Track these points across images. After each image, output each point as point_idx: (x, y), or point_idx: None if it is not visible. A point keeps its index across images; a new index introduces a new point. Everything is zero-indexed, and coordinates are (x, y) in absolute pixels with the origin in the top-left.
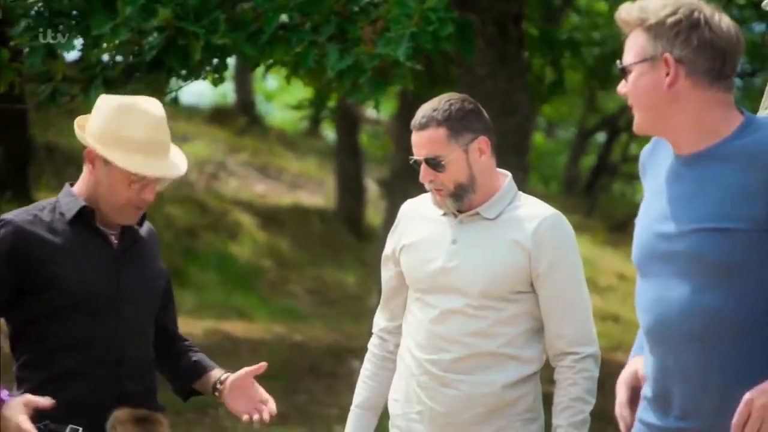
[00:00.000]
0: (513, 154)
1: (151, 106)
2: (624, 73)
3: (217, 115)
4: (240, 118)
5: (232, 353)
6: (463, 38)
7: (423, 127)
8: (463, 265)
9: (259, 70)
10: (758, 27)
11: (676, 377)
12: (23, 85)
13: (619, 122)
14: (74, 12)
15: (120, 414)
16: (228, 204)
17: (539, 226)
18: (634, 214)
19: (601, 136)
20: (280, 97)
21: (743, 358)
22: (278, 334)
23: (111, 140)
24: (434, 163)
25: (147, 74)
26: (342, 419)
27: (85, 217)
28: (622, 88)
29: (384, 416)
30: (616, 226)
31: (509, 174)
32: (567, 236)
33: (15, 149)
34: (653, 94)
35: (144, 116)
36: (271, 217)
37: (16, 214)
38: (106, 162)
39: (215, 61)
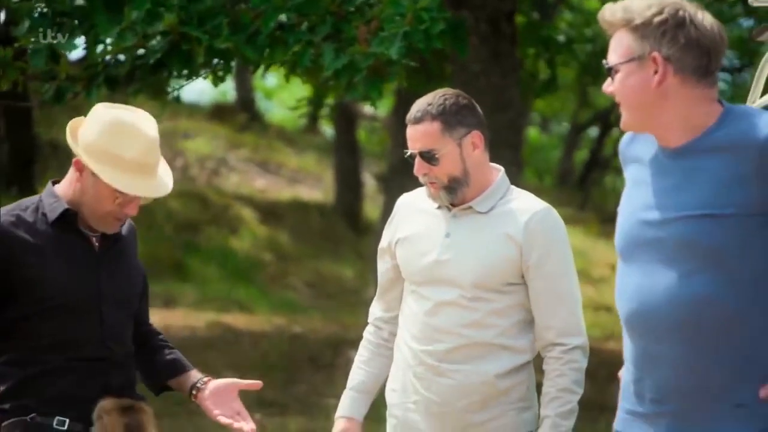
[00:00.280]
0: (507, 148)
1: (146, 126)
2: (610, 72)
3: (218, 113)
4: (240, 115)
5: (234, 345)
6: (456, 36)
7: (418, 121)
8: (457, 257)
9: (259, 69)
10: (746, 23)
11: (656, 362)
12: (27, 83)
13: (611, 117)
14: (76, 12)
15: (105, 404)
16: (229, 199)
17: (530, 219)
18: None
19: (593, 131)
20: (280, 94)
21: (729, 342)
22: (278, 325)
23: (101, 155)
24: (428, 157)
25: (149, 74)
26: None
27: (68, 219)
28: (609, 86)
29: (382, 405)
30: (609, 219)
31: (502, 168)
32: (557, 230)
33: (20, 146)
34: (642, 93)
35: (138, 137)
36: (270, 212)
37: None
38: (94, 174)
39: (216, 61)
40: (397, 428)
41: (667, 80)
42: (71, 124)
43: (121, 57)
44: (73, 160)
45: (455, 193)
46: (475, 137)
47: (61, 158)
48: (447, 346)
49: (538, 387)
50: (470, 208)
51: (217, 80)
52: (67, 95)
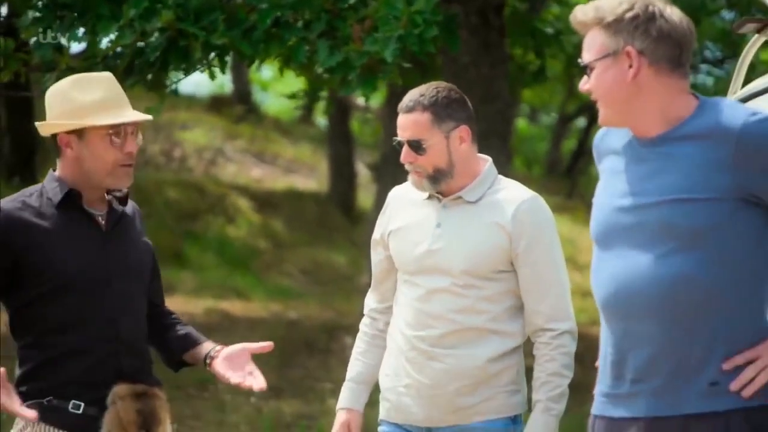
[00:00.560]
0: (496, 138)
1: (97, 73)
2: (586, 70)
3: (215, 104)
4: (237, 106)
5: (231, 331)
6: (448, 32)
7: (409, 110)
8: (447, 247)
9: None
10: (728, 15)
11: (635, 343)
12: (28, 74)
13: (597, 108)
14: (78, 4)
15: (119, 389)
16: (226, 188)
17: (518, 208)
18: None
19: (581, 122)
20: (275, 86)
21: (704, 321)
22: (274, 312)
23: (77, 112)
24: (416, 146)
25: (148, 67)
26: (335, 393)
27: (72, 200)
28: (585, 84)
29: (375, 390)
30: None
31: (489, 159)
32: (545, 218)
33: (21, 137)
34: (618, 87)
35: (96, 79)
36: (266, 201)
37: (4, 202)
38: (81, 135)
39: (212, 54)
40: (390, 411)
41: (641, 72)
42: (38, 126)
43: (119, 49)
44: (57, 140)
45: (438, 183)
46: (463, 131)
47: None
48: (439, 332)
49: (528, 371)
50: (460, 198)
51: (213, 74)
52: None
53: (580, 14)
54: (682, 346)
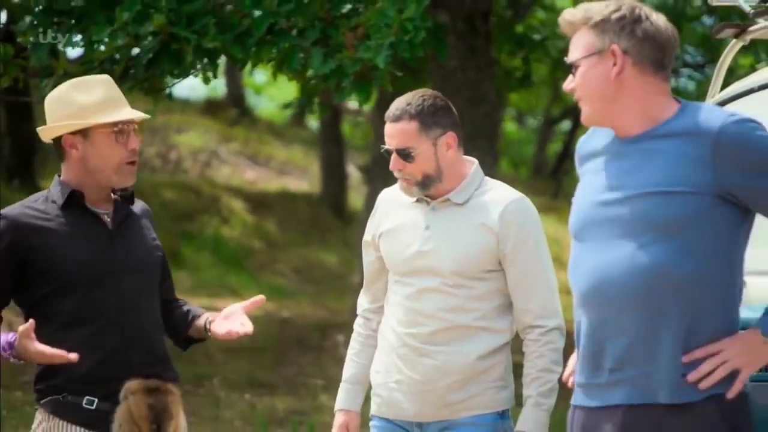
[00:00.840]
0: (483, 140)
1: (94, 75)
2: (571, 69)
3: (210, 108)
4: (231, 110)
5: None
6: (437, 40)
7: (396, 119)
8: (437, 248)
9: (246, 66)
10: (709, 21)
11: (613, 332)
12: (27, 80)
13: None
14: (74, 11)
15: (132, 385)
16: (220, 190)
17: (505, 209)
18: None
19: (566, 125)
20: (268, 90)
21: (685, 308)
22: (267, 310)
23: (79, 113)
24: (404, 154)
25: (143, 72)
26: (327, 389)
27: (76, 200)
28: (569, 83)
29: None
30: None
31: (476, 161)
32: (531, 218)
33: (21, 140)
34: (602, 85)
35: (95, 81)
36: (260, 202)
37: (10, 208)
38: (86, 135)
39: (205, 60)
40: (382, 407)
41: (625, 71)
42: (41, 131)
43: (117, 56)
44: (62, 142)
45: (428, 189)
46: (450, 138)
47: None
48: (430, 329)
49: (516, 367)
50: (448, 200)
51: (207, 79)
52: None
53: (568, 15)
54: (654, 337)
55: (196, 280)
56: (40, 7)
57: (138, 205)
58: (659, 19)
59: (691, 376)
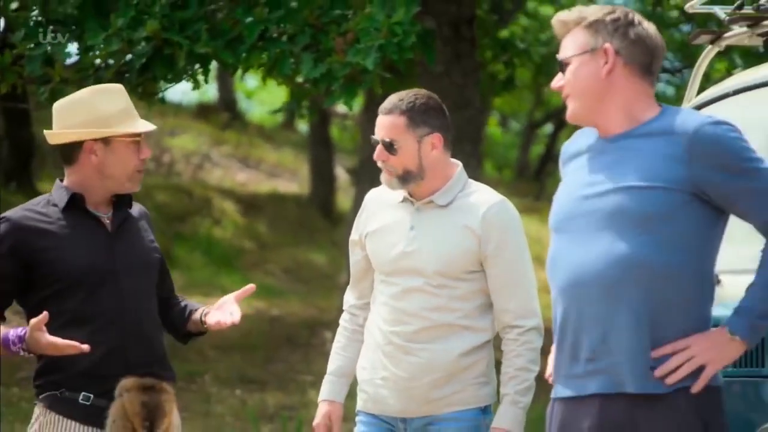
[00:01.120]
0: (467, 143)
1: (110, 84)
2: (562, 67)
3: (202, 112)
4: (223, 114)
5: None
6: (425, 45)
7: (387, 112)
8: (421, 249)
9: (237, 71)
10: (686, 28)
11: (589, 323)
12: (25, 86)
13: (564, 115)
14: (69, 19)
15: (126, 382)
16: (212, 192)
17: (487, 212)
18: None
19: (548, 128)
20: (259, 95)
21: (657, 300)
22: (258, 309)
23: (104, 120)
24: (388, 146)
25: (137, 77)
26: (315, 385)
27: (77, 203)
28: (557, 82)
29: (353, 382)
30: None
31: (460, 164)
32: (512, 220)
33: (19, 145)
34: (591, 82)
35: (114, 90)
36: (251, 203)
37: (13, 212)
38: (107, 143)
39: (197, 66)
40: (367, 403)
41: (615, 70)
42: (50, 135)
43: (111, 61)
44: (84, 146)
45: (407, 184)
46: (436, 138)
47: (57, 155)
48: (414, 328)
49: (497, 364)
50: (431, 202)
51: (197, 83)
52: (61, 97)
53: (563, 15)
54: (626, 328)
55: (189, 279)
56: (35, 16)
57: (136, 208)
58: (650, 27)
59: (658, 371)
